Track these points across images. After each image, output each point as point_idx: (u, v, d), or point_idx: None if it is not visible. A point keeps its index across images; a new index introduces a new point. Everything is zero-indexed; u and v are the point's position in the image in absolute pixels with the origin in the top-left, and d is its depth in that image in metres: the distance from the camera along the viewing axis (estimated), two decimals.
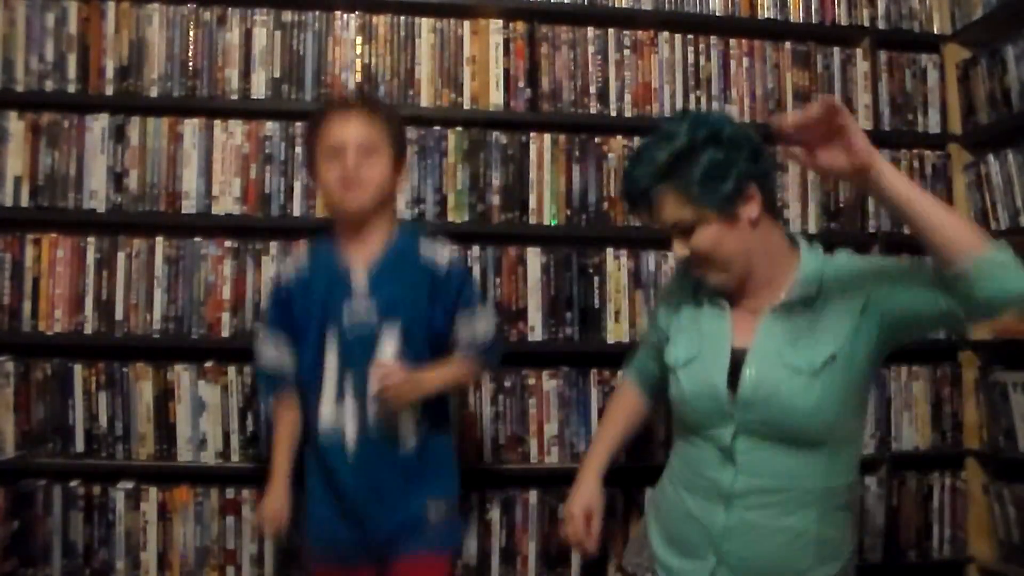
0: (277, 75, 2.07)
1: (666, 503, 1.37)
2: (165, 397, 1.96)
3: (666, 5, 2.19)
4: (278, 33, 2.07)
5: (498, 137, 2.11)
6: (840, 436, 1.25)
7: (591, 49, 2.16)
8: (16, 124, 1.97)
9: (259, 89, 2.06)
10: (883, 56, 2.28)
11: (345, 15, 2.10)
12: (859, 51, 2.26)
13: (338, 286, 1.46)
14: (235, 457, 1.97)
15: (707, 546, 1.26)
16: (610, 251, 2.11)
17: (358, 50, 2.10)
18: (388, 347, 1.43)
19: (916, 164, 2.26)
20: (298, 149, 2.04)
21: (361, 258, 1.47)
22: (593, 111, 2.16)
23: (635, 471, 1.95)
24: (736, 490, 1.24)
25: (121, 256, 1.98)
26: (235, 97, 2.05)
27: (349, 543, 1.46)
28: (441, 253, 1.51)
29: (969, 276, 1.08)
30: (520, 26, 2.14)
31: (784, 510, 1.23)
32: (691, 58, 2.20)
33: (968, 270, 1.08)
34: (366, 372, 1.41)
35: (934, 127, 2.30)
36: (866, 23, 2.27)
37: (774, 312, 1.26)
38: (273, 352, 1.51)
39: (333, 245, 1.51)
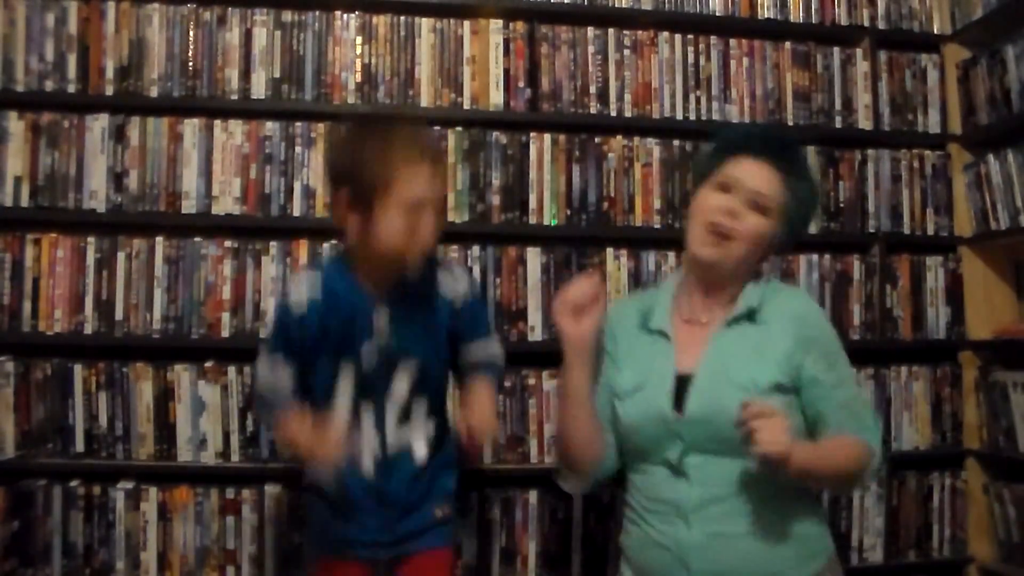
0: (277, 75, 2.07)
1: (631, 541, 1.39)
2: (165, 397, 1.96)
3: (666, 5, 2.19)
4: (278, 33, 2.07)
5: (498, 137, 2.11)
6: None
7: (591, 49, 2.16)
8: (16, 124, 1.97)
9: (259, 89, 2.06)
10: (883, 56, 2.28)
11: (345, 15, 2.10)
12: (859, 51, 2.26)
13: (357, 323, 1.43)
14: (235, 457, 1.97)
15: (679, 569, 1.27)
16: (610, 251, 2.11)
17: (358, 50, 2.09)
18: (403, 382, 1.45)
19: (916, 164, 2.26)
20: (298, 149, 2.04)
21: (380, 290, 1.44)
22: (593, 111, 2.15)
23: None
24: (692, 503, 1.27)
25: (121, 256, 1.98)
26: (235, 97, 2.05)
27: (355, 537, 1.45)
28: (458, 286, 1.48)
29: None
30: (520, 26, 2.14)
31: (743, 515, 1.26)
32: (691, 58, 2.19)
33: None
34: (383, 404, 1.44)
35: (934, 127, 2.30)
36: (866, 23, 2.27)
37: (722, 329, 1.34)
38: (273, 375, 1.45)
39: (348, 273, 1.45)
